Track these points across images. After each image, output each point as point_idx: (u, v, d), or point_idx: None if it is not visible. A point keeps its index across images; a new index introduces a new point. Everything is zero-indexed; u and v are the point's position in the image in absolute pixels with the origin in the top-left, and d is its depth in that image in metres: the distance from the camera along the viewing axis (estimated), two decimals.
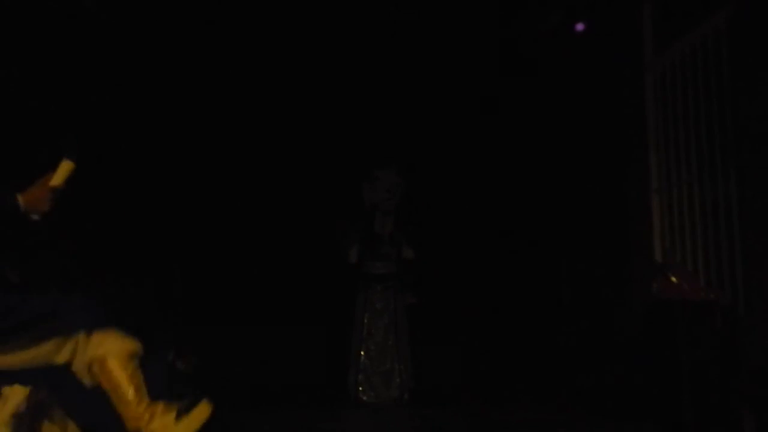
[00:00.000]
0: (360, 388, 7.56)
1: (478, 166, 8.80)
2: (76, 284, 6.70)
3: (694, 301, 6.12)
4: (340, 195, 8.26)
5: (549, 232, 8.59)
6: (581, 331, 7.92)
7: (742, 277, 6.26)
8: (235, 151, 8.71)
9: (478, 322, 8.56)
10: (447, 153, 8.74)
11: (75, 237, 7.33)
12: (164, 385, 3.91)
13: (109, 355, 3.52)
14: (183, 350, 7.08)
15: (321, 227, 8.27)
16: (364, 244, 7.76)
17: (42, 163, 3.94)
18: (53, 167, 3.82)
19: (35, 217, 3.71)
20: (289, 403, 7.72)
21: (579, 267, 8.20)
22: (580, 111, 8.28)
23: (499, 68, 8.73)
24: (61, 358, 3.52)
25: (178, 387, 4.77)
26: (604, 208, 7.88)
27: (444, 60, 8.64)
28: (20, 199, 3.65)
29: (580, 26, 7.95)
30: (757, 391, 5.64)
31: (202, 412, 3.55)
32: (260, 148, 8.74)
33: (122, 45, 7.99)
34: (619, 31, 7.71)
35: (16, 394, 3.56)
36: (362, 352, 7.59)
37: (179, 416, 3.49)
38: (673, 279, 6.30)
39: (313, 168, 8.74)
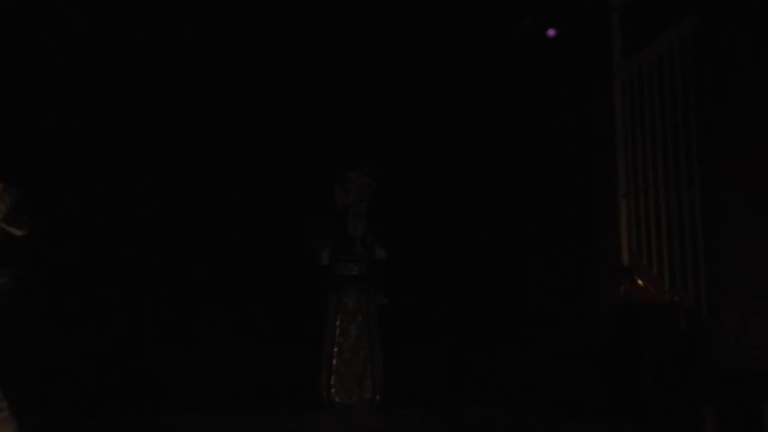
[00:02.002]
0: (332, 390, 7.81)
1: (449, 169, 9.10)
2: None
3: (659, 303, 6.50)
4: (312, 196, 8.48)
5: (519, 234, 8.90)
6: (550, 331, 8.26)
7: (705, 279, 6.61)
8: (205, 152, 8.93)
9: (450, 323, 8.88)
10: (418, 155, 9.02)
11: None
12: None
13: None
14: None
15: (292, 228, 8.46)
16: (336, 245, 7.98)
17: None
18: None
19: None
20: (260, 405, 7.94)
21: (548, 268, 8.54)
22: (550, 116, 8.59)
23: (469, 72, 9.03)
24: None
25: None
26: (573, 211, 8.20)
27: (414, 63, 8.91)
28: None
29: (551, 32, 8.31)
30: (719, 391, 5.98)
31: None
32: (230, 150, 8.96)
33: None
34: (588, 37, 8.06)
35: None
36: (334, 354, 7.85)
37: None
38: (639, 281, 6.68)
39: (284, 169, 8.97)
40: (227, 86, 8.90)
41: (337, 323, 7.90)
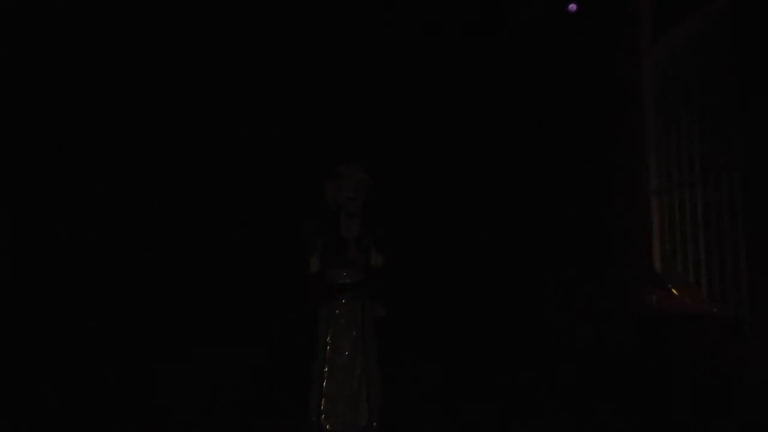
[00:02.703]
0: (323, 415, 7.25)
1: (455, 163, 8.80)
2: None
3: (695, 315, 6.33)
4: (302, 195, 8.03)
5: (534, 238, 8.67)
6: (570, 347, 8.07)
7: (747, 287, 6.44)
8: (186, 146, 8.68)
9: (457, 337, 8.57)
10: (420, 148, 8.72)
11: None
12: None
13: None
14: None
15: (279, 231, 8.20)
16: (328, 249, 7.47)
17: None
18: None
19: None
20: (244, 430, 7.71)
21: (567, 276, 8.33)
22: (570, 104, 8.37)
23: (479, 55, 8.74)
24: None
25: None
26: (596, 211, 8.04)
27: (415, 47, 8.68)
28: None
29: (572, 7, 8.11)
30: (762, 414, 5.79)
31: None
32: (213, 145, 8.70)
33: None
34: (613, 13, 7.89)
35: None
36: (325, 374, 7.31)
37: None
38: (673, 290, 6.57)
39: (270, 165, 8.67)
40: (211, 78, 8.69)
41: (328, 339, 7.36)
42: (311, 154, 8.43)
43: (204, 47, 8.64)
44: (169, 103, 8.62)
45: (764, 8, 6.13)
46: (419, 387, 8.31)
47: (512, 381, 8.30)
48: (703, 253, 6.96)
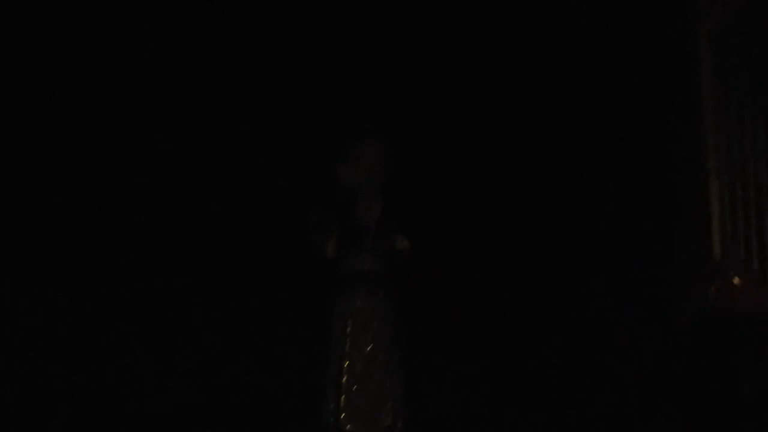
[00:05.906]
0: (341, 415, 7.10)
1: (488, 138, 8.51)
2: None
3: (763, 313, 6.16)
4: (309, 178, 7.97)
5: (577, 224, 8.46)
6: (615, 349, 7.90)
7: None
8: (174, 124, 8.39)
9: (490, 332, 8.38)
10: (447, 120, 8.43)
11: None
12: None
13: None
14: None
15: (287, 218, 8.01)
16: (344, 235, 7.29)
17: None
18: None
19: None
20: None
21: (614, 268, 8.14)
22: (615, 70, 8.17)
23: (514, 16, 8.43)
24: None
25: None
26: (646, 193, 7.85)
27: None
28: None
29: None
30: None
31: None
32: (205, 123, 8.40)
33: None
34: None
35: None
36: (343, 371, 7.17)
37: None
38: (736, 282, 6.37)
39: (272, 145, 8.42)
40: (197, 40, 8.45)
41: (347, 332, 7.25)
42: (321, 130, 8.20)
43: (186, 27, 8.43)
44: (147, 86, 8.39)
45: None
46: (448, 386, 8.17)
47: (549, 386, 8.19)
48: None
